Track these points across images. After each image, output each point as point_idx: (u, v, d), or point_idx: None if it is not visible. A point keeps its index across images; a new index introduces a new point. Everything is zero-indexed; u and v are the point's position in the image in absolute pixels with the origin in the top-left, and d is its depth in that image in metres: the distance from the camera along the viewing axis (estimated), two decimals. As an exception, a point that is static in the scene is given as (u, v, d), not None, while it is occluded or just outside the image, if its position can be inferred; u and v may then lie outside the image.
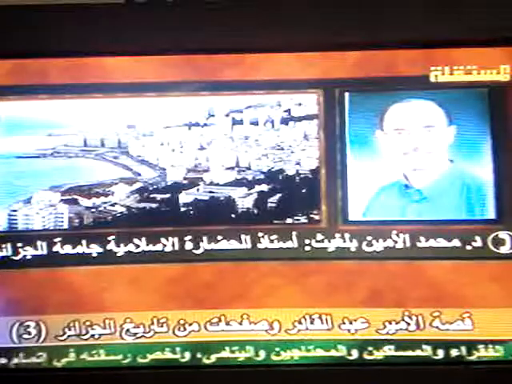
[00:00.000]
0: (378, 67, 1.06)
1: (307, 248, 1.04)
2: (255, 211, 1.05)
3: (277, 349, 1.02)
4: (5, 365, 1.04)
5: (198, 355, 1.03)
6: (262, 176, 1.06)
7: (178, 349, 1.03)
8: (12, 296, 1.05)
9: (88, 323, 1.04)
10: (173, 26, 1.06)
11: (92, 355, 1.03)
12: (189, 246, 1.05)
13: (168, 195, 1.06)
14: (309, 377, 1.02)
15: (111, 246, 1.05)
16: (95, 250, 1.05)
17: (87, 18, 1.06)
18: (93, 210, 1.06)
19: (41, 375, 1.03)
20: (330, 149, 1.05)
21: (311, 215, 1.04)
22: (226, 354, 1.03)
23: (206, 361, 1.03)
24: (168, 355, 1.03)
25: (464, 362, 1.01)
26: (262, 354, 1.03)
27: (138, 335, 1.04)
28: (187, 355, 1.03)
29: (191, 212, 1.06)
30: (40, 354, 1.03)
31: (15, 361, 1.04)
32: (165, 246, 1.05)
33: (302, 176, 1.06)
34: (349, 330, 1.02)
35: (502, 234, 1.02)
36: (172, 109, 1.08)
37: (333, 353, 1.02)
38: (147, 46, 1.06)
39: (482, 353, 1.01)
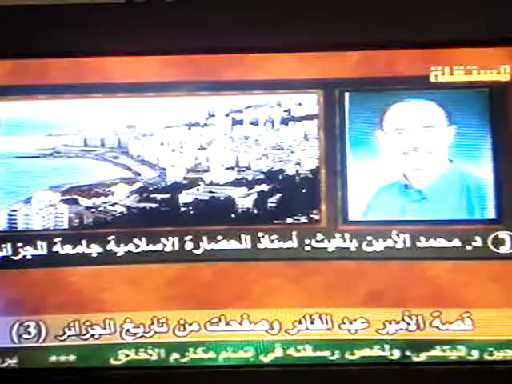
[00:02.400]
0: (378, 67, 1.06)
1: (307, 248, 1.04)
2: (255, 211, 1.05)
3: (277, 349, 1.03)
4: (5, 365, 1.03)
5: (198, 355, 1.03)
6: (261, 176, 1.06)
7: (178, 349, 1.03)
8: (12, 296, 1.05)
9: (88, 323, 1.04)
10: (173, 26, 1.06)
11: (92, 355, 1.03)
12: (189, 245, 1.05)
13: (168, 195, 1.06)
14: (309, 377, 1.02)
15: (111, 246, 1.05)
16: (95, 249, 1.05)
17: (87, 17, 1.06)
18: (93, 209, 1.06)
19: (41, 375, 1.03)
20: (330, 149, 1.05)
21: (311, 215, 1.04)
22: (226, 354, 1.03)
23: (205, 361, 1.03)
24: (168, 355, 1.03)
25: (464, 362, 1.01)
26: (262, 354, 1.03)
27: (138, 335, 1.04)
28: (187, 355, 1.03)
29: (191, 212, 1.06)
30: (40, 353, 1.03)
31: (15, 361, 1.04)
32: (165, 245, 1.05)
33: (301, 176, 1.06)
34: (349, 330, 1.02)
35: (502, 234, 1.02)
36: (172, 109, 1.08)
37: (333, 353, 1.02)
38: (147, 46, 1.06)
39: (482, 353, 1.01)
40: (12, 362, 1.04)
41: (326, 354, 1.02)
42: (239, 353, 1.03)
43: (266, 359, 1.03)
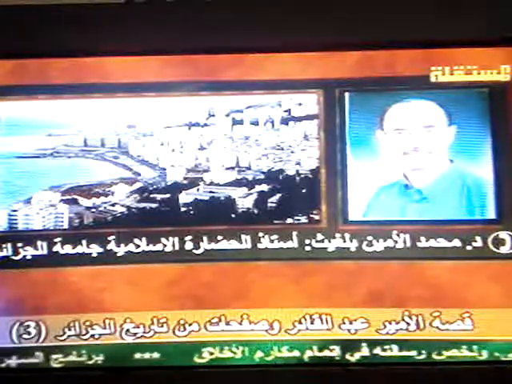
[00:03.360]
0: (378, 67, 1.06)
1: (307, 248, 1.04)
2: (255, 211, 1.05)
3: (277, 349, 1.02)
4: (5, 365, 1.03)
5: (198, 355, 1.03)
6: (262, 176, 1.06)
7: (177, 349, 1.03)
8: (12, 296, 1.05)
9: (88, 323, 1.04)
10: (173, 26, 1.06)
11: (92, 355, 1.03)
12: (189, 245, 1.04)
13: (168, 195, 1.06)
14: (309, 377, 1.02)
15: (111, 246, 1.05)
16: (95, 249, 1.05)
17: (87, 17, 1.06)
18: (93, 209, 1.06)
19: (41, 375, 1.03)
20: (330, 149, 1.05)
21: (311, 215, 1.04)
22: (226, 353, 1.03)
23: (205, 361, 1.03)
24: (168, 355, 1.03)
25: (464, 362, 1.01)
26: (262, 354, 1.03)
27: (138, 335, 1.03)
28: (187, 355, 1.03)
29: (191, 212, 1.06)
30: (40, 353, 1.04)
31: (15, 361, 1.04)
32: (165, 245, 1.05)
33: (302, 176, 1.06)
34: (349, 330, 1.02)
35: (502, 234, 1.02)
36: (172, 109, 1.08)
37: (333, 353, 1.02)
38: (147, 46, 1.06)
39: (482, 353, 1.01)
40: (12, 361, 1.04)
41: (326, 353, 1.02)
42: (239, 353, 1.03)
43: (266, 359, 1.02)
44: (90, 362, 1.03)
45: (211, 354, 1.03)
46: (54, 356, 1.03)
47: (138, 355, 1.03)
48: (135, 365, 1.03)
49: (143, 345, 1.03)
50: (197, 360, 1.03)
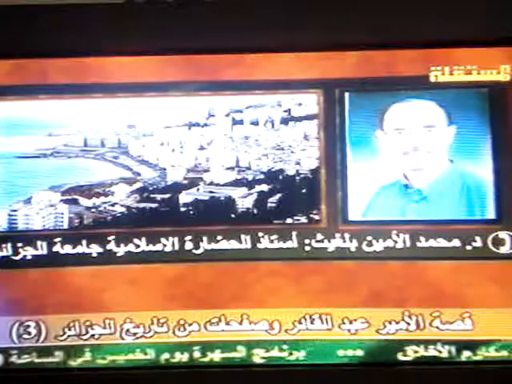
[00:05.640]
0: (378, 67, 1.06)
1: (307, 248, 1.04)
2: (255, 211, 1.05)
3: (277, 349, 1.02)
4: (5, 365, 1.03)
5: (198, 355, 1.03)
6: (262, 176, 1.06)
7: (177, 349, 1.03)
8: (12, 296, 1.05)
9: (88, 323, 1.04)
10: (173, 26, 1.06)
11: (92, 355, 1.03)
12: (189, 246, 1.05)
13: (168, 195, 1.06)
14: (309, 376, 1.02)
15: (111, 245, 1.05)
16: (95, 249, 1.05)
17: (87, 17, 1.06)
18: (93, 209, 1.06)
19: (41, 375, 1.03)
20: (330, 149, 1.05)
21: (311, 215, 1.04)
22: (226, 354, 1.03)
23: (205, 361, 1.03)
24: (168, 355, 1.03)
25: (464, 362, 1.01)
26: (262, 354, 1.02)
27: (138, 335, 1.03)
28: (187, 355, 1.03)
29: (191, 212, 1.06)
30: (40, 353, 1.04)
31: (15, 361, 1.04)
32: (165, 245, 1.05)
33: (302, 176, 1.06)
34: (349, 330, 1.02)
35: (502, 234, 1.02)
36: (172, 109, 1.08)
37: (332, 353, 1.02)
38: (147, 46, 1.06)
39: (482, 353, 1.01)
40: (12, 361, 1.03)
41: (326, 354, 1.02)
42: (239, 353, 1.03)
43: (266, 359, 1.02)
44: (91, 363, 1.03)
45: (211, 353, 1.03)
46: (55, 355, 1.03)
47: (137, 355, 1.03)
48: (135, 364, 1.03)
49: (143, 345, 1.03)
50: (197, 360, 1.03)
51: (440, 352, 1.01)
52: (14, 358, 1.03)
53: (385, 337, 1.02)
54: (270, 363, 1.02)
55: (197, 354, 1.03)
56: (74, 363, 1.03)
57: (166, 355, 1.03)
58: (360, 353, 1.02)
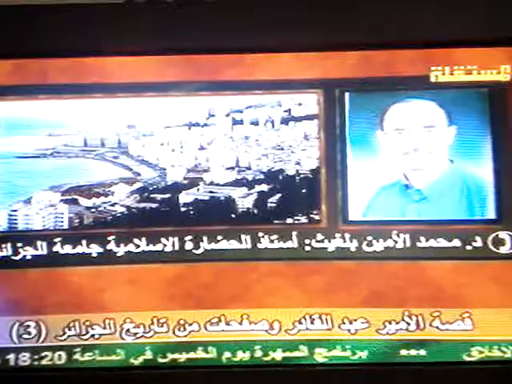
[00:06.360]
0: (378, 67, 1.06)
1: (307, 248, 1.04)
2: (255, 211, 1.05)
3: (277, 349, 1.02)
4: (5, 365, 1.03)
5: (198, 355, 1.03)
6: (262, 176, 1.06)
7: (177, 349, 1.03)
8: (12, 296, 1.05)
9: (88, 323, 1.04)
10: (173, 26, 1.06)
11: (92, 355, 1.03)
12: (189, 246, 1.05)
13: (168, 195, 1.06)
14: (309, 377, 1.02)
15: (111, 246, 1.05)
16: (95, 249, 1.05)
17: (87, 17, 1.06)
18: (93, 209, 1.06)
19: (41, 375, 1.03)
20: (330, 149, 1.05)
21: (311, 215, 1.04)
22: (225, 354, 1.03)
23: (205, 361, 1.03)
24: (168, 355, 1.03)
25: (464, 362, 1.01)
26: (262, 354, 1.02)
27: (138, 335, 1.03)
28: (186, 355, 1.03)
29: (191, 212, 1.06)
30: (40, 353, 1.03)
31: (15, 361, 1.04)
32: (165, 245, 1.05)
33: (301, 176, 1.06)
34: (349, 330, 1.02)
35: (502, 234, 1.02)
36: (172, 109, 1.08)
37: (333, 353, 1.02)
38: (147, 46, 1.06)
39: (482, 353, 1.01)
40: (12, 361, 1.03)
41: (325, 353, 1.02)
42: (239, 353, 1.03)
43: (266, 359, 1.02)
44: (91, 363, 1.03)
45: (211, 353, 1.03)
46: (55, 355, 1.03)
47: (137, 355, 1.03)
48: (134, 364, 1.03)
49: (143, 345, 1.03)
50: (197, 360, 1.03)
51: (440, 352, 1.01)
52: (13, 358, 1.03)
53: (385, 337, 1.02)
54: (269, 363, 1.02)
55: (196, 354, 1.03)
56: (74, 363, 1.03)
57: (166, 355, 1.03)
58: (360, 353, 1.02)
